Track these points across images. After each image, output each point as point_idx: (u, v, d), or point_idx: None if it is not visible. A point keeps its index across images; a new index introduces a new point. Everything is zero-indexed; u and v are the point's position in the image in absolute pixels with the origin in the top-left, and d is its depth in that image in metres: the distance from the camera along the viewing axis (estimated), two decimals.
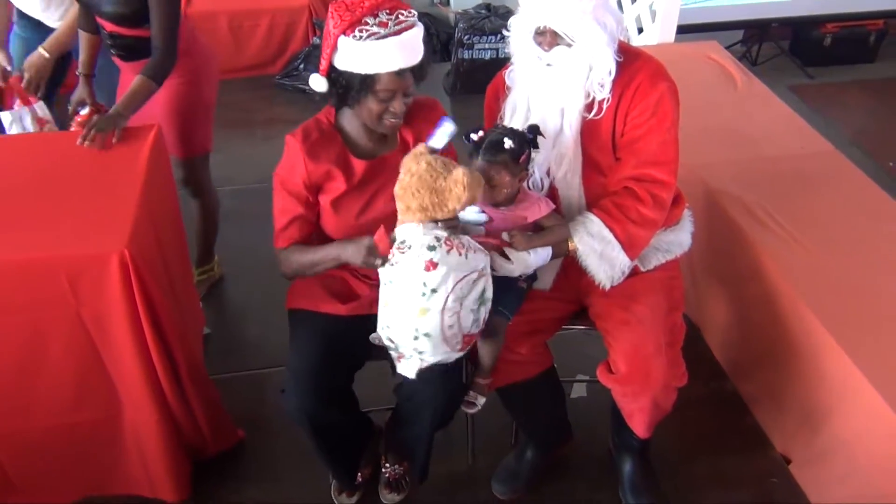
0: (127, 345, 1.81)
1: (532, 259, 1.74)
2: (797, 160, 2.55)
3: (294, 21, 4.40)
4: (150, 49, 2.26)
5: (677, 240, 1.92)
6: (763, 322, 2.22)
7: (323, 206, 1.80)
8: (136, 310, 1.77)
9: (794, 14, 4.45)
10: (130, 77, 2.38)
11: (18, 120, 2.43)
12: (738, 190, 2.40)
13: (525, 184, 1.81)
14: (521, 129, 1.74)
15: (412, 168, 1.57)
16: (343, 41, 1.63)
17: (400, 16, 1.64)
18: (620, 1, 3.61)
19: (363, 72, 1.65)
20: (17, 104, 2.45)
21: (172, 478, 2.06)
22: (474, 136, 1.72)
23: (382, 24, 1.61)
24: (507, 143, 1.68)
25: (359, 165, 1.78)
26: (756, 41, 4.66)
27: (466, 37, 4.22)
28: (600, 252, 1.76)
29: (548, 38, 1.72)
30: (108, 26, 2.31)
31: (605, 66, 1.71)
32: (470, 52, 4.24)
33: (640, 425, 1.98)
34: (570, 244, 1.77)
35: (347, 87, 1.68)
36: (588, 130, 1.78)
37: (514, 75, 1.83)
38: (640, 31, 3.51)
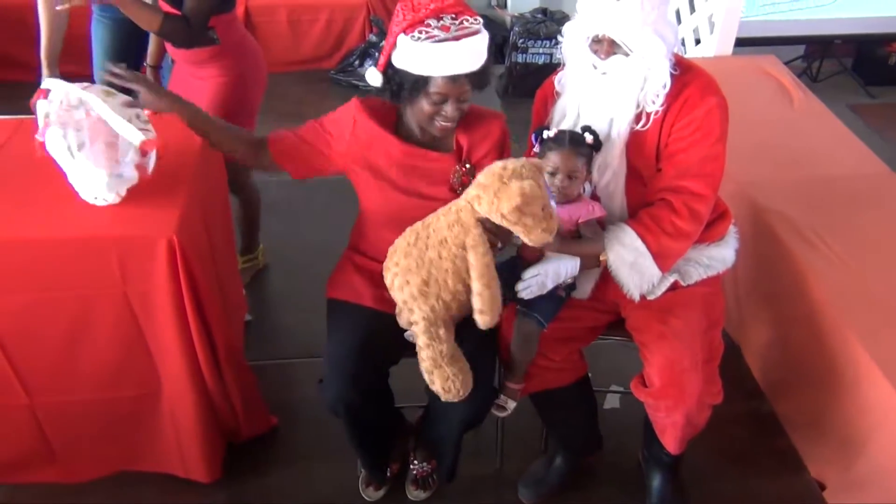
0: (170, 326, 1.86)
1: (561, 266, 1.74)
2: (851, 180, 2.49)
3: (352, 17, 4.45)
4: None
5: (720, 255, 1.90)
6: (805, 344, 2.17)
7: (364, 180, 1.82)
8: (180, 293, 1.81)
9: (858, 31, 4.34)
10: (183, 69, 2.44)
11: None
12: (788, 209, 2.36)
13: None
14: (570, 135, 1.75)
15: (510, 161, 1.58)
16: (402, 39, 1.65)
17: (465, 21, 1.63)
18: (678, 11, 3.57)
19: (417, 72, 1.66)
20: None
21: (205, 458, 2.11)
22: (548, 133, 1.75)
23: (444, 28, 1.62)
24: (589, 137, 1.72)
25: (401, 148, 1.79)
26: (817, 57, 4.56)
27: (521, 40, 4.22)
28: (631, 262, 1.75)
29: (605, 46, 1.71)
30: (163, 6, 2.35)
31: (661, 79, 1.70)
32: (524, 55, 4.24)
33: (671, 441, 1.96)
34: (601, 256, 1.77)
35: (401, 85, 1.71)
36: (634, 141, 1.77)
37: (564, 81, 1.83)
38: (698, 42, 3.46)
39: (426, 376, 1.68)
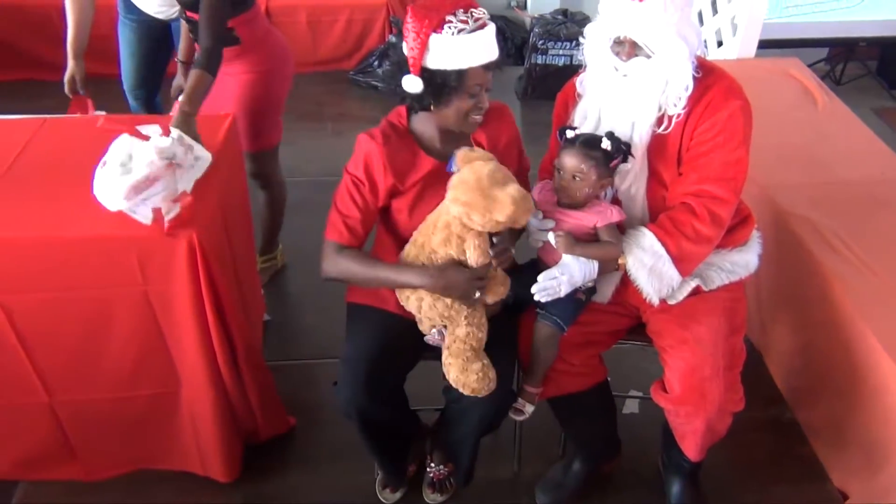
0: (189, 325, 1.87)
1: (577, 269, 1.73)
2: (875, 185, 2.45)
3: (372, 18, 4.46)
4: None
5: (743, 261, 1.87)
6: (828, 351, 2.15)
7: (397, 209, 1.81)
8: (200, 292, 1.82)
9: (882, 34, 4.28)
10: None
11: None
12: (811, 213, 2.33)
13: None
14: (587, 137, 1.74)
15: (477, 167, 1.62)
16: (435, 39, 1.63)
17: (474, 13, 1.65)
18: (701, 12, 3.54)
19: (457, 67, 1.66)
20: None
21: (224, 457, 2.12)
22: (570, 133, 1.74)
23: (464, 22, 1.63)
24: (605, 143, 1.69)
25: (434, 167, 1.78)
26: (841, 60, 4.51)
27: (541, 42, 4.20)
28: (650, 266, 1.73)
29: (627, 48, 1.69)
30: (187, 12, 2.37)
31: (683, 82, 1.68)
32: (544, 57, 4.22)
33: (691, 448, 1.94)
34: (619, 260, 1.76)
35: (443, 85, 1.68)
36: (655, 144, 1.75)
37: (586, 83, 1.82)
38: (720, 44, 3.43)
39: (454, 375, 1.71)
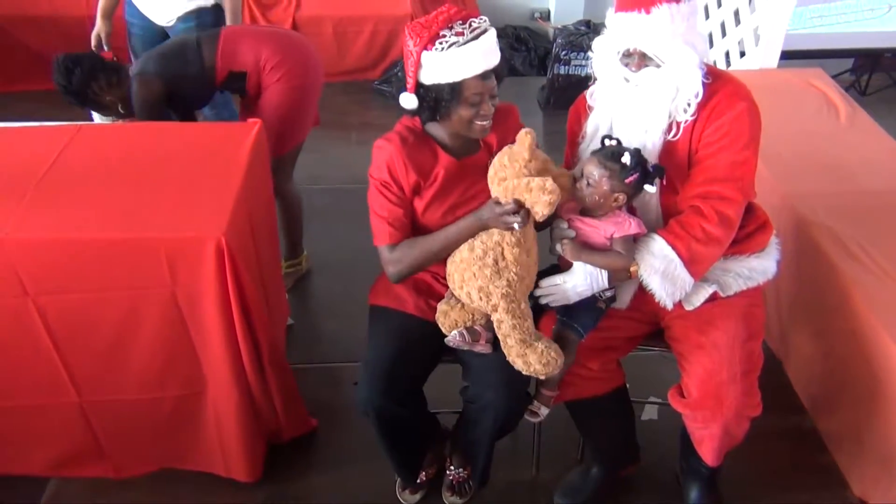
0: (216, 327, 1.91)
1: (582, 278, 1.75)
2: None
3: (396, 29, 4.51)
4: (233, 84, 2.55)
5: (761, 267, 1.88)
6: (848, 358, 2.14)
7: (417, 205, 1.84)
8: (227, 294, 1.86)
9: None
10: (244, 110, 2.62)
11: None
12: (832, 222, 2.33)
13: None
14: (613, 148, 1.74)
15: (520, 155, 1.67)
16: (426, 56, 1.69)
17: (472, 23, 1.69)
18: (724, 23, 3.55)
19: (450, 80, 1.70)
20: None
21: (247, 458, 2.15)
22: (607, 142, 1.74)
23: (459, 34, 1.67)
24: (626, 158, 1.68)
25: (451, 165, 1.82)
26: (866, 71, 4.49)
27: (564, 52, 4.23)
28: (663, 271, 1.74)
29: (636, 59, 1.72)
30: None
31: (693, 89, 1.71)
32: (566, 67, 4.25)
33: (709, 453, 1.94)
34: (632, 267, 1.77)
35: (437, 99, 1.73)
36: (665, 151, 1.77)
37: (597, 95, 1.85)
38: (743, 54, 3.44)
39: (518, 362, 1.72)
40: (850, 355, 2.13)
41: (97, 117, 2.73)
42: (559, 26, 4.55)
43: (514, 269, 1.72)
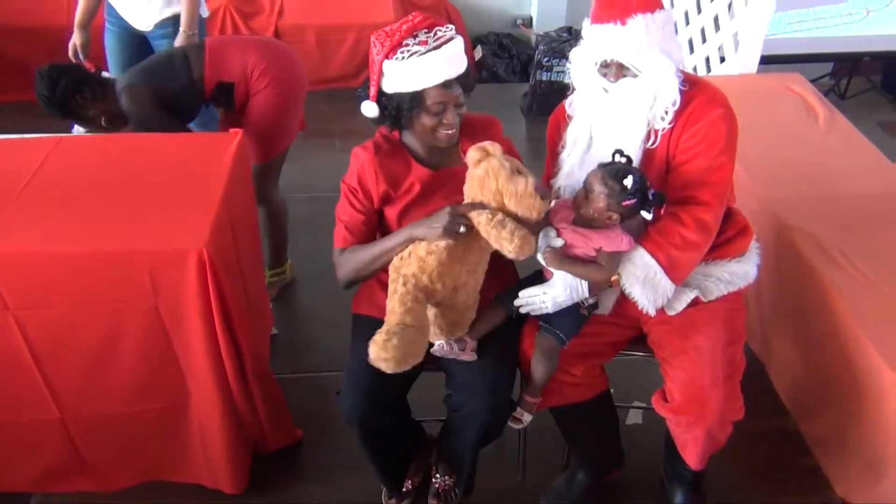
0: (199, 338, 1.90)
1: (562, 288, 1.76)
2: (876, 199, 2.47)
3: None
4: (220, 97, 2.55)
5: (742, 271, 1.90)
6: (829, 361, 2.16)
7: (389, 217, 1.86)
8: (209, 305, 1.86)
9: (886, 48, 4.31)
10: (228, 122, 2.60)
11: None
12: (812, 226, 2.35)
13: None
14: (620, 167, 1.71)
15: (495, 163, 1.65)
16: (387, 65, 1.70)
17: (438, 31, 1.70)
18: (704, 29, 3.58)
19: (410, 90, 1.71)
20: None
21: (232, 469, 2.14)
22: (617, 157, 1.71)
23: (422, 43, 1.68)
24: (629, 180, 1.66)
25: (425, 176, 1.84)
26: (845, 75, 4.54)
27: (546, 59, 4.25)
28: (643, 278, 1.75)
29: (614, 69, 1.74)
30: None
31: (670, 97, 1.72)
32: (549, 74, 4.27)
33: (693, 457, 1.96)
34: (612, 278, 1.77)
35: (398, 108, 1.75)
36: (644, 159, 1.79)
37: (575, 105, 1.86)
38: (723, 60, 3.47)
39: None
40: (831, 358, 2.15)
41: (77, 129, 2.72)
42: (541, 33, 4.58)
43: (415, 266, 1.69)
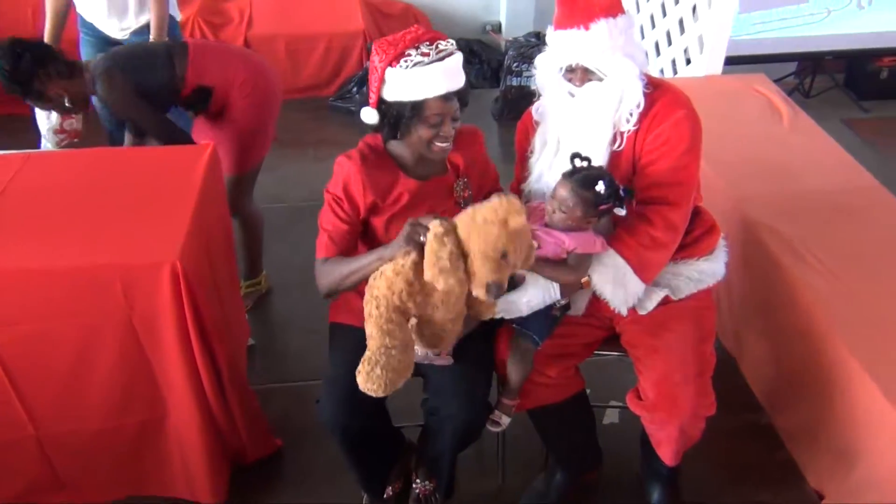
0: (174, 351, 1.90)
1: (536, 292, 1.77)
2: (840, 195, 2.53)
3: (349, 45, 4.54)
4: (199, 101, 2.52)
5: (710, 269, 1.93)
6: (798, 355, 2.20)
7: (376, 226, 1.85)
8: (184, 318, 1.86)
9: (847, 47, 4.40)
10: (201, 127, 2.58)
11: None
12: (778, 223, 2.39)
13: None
14: (587, 173, 1.72)
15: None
16: (390, 72, 1.70)
17: (439, 45, 1.71)
18: (669, 32, 3.64)
19: (412, 99, 1.71)
20: None
21: (211, 481, 2.14)
22: (577, 163, 1.73)
23: (424, 54, 1.69)
24: (601, 186, 1.68)
25: (413, 186, 1.83)
26: (809, 74, 4.62)
27: (515, 64, 4.29)
28: (614, 279, 1.78)
29: (579, 74, 1.77)
30: None
31: (634, 99, 1.75)
32: (518, 79, 4.31)
33: (667, 453, 1.98)
34: (583, 278, 1.80)
35: (398, 116, 1.75)
36: (611, 162, 1.81)
37: (542, 110, 1.88)
38: (688, 62, 3.52)
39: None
40: (801, 352, 2.19)
41: (45, 144, 2.70)
42: (510, 39, 4.62)
43: (384, 286, 1.65)
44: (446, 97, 1.73)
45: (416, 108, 1.72)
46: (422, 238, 1.59)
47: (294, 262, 3.12)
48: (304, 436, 2.41)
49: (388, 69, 1.70)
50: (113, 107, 2.43)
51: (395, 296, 1.65)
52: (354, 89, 4.43)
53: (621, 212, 1.73)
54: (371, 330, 1.67)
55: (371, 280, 1.70)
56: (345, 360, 1.86)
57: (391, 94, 1.73)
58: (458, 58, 1.74)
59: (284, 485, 2.30)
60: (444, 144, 1.78)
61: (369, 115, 1.78)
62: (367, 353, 1.67)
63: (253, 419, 2.21)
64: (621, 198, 1.71)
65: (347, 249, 1.86)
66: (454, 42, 1.75)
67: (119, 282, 1.80)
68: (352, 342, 1.90)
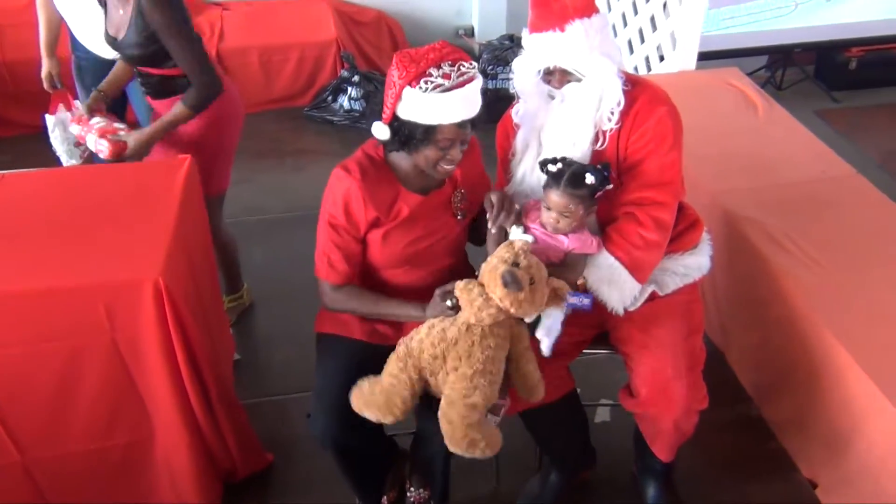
0: (160, 369, 1.87)
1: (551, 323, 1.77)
2: (817, 184, 2.56)
3: (323, 55, 4.51)
4: (177, 87, 2.37)
5: (696, 264, 1.94)
6: (785, 346, 2.22)
7: (372, 239, 1.83)
8: (168, 335, 1.83)
9: (815, 39, 4.45)
10: (160, 113, 2.49)
11: (61, 123, 2.57)
12: (758, 215, 2.42)
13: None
14: (571, 173, 1.73)
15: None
16: (408, 92, 1.65)
17: (462, 67, 1.65)
18: (641, 29, 3.66)
19: (426, 122, 1.67)
20: (61, 108, 2.58)
21: (202, 500, 2.10)
22: (552, 168, 1.73)
23: (446, 76, 1.62)
24: (589, 178, 1.69)
25: (412, 200, 1.81)
26: (780, 66, 4.67)
27: (490, 67, 4.30)
28: (609, 280, 1.78)
29: (558, 76, 1.77)
30: (140, 68, 2.42)
31: (614, 98, 1.75)
32: (493, 82, 4.31)
33: (662, 449, 1.99)
34: (579, 281, 1.80)
35: (409, 136, 1.70)
36: (594, 161, 1.81)
37: (522, 113, 1.88)
38: (662, 58, 3.55)
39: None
40: (787, 342, 2.21)
41: (59, 148, 2.62)
42: (484, 42, 4.62)
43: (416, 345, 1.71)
44: (461, 124, 1.69)
45: (429, 131, 1.68)
46: (449, 303, 1.67)
47: (275, 274, 3.09)
48: (294, 448, 2.39)
49: (407, 88, 1.64)
50: (162, 16, 2.25)
51: (419, 357, 1.71)
52: (330, 98, 4.41)
53: (609, 187, 1.75)
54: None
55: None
56: (333, 371, 1.85)
57: (406, 113, 1.68)
58: (478, 84, 1.69)
59: (276, 500, 2.27)
60: (449, 167, 1.76)
61: (381, 132, 1.73)
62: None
63: (243, 435, 2.18)
64: (607, 176, 1.72)
65: (353, 274, 1.85)
66: (475, 65, 1.70)
67: (101, 301, 1.77)
68: (338, 353, 1.89)
